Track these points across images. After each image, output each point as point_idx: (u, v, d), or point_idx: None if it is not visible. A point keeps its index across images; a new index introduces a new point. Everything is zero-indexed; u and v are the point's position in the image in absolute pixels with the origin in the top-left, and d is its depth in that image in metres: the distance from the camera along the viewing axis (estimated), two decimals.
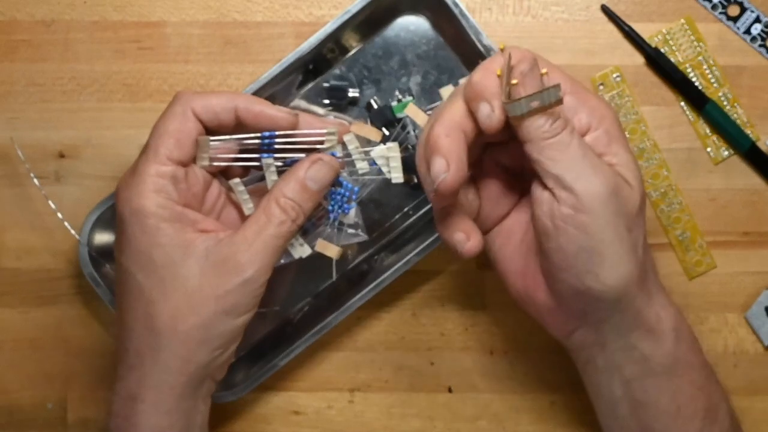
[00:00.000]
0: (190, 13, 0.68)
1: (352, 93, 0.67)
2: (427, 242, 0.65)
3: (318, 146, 0.57)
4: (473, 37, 0.64)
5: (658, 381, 0.55)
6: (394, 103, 0.66)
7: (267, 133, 0.56)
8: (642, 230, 0.54)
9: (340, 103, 0.66)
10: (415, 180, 0.66)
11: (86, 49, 0.68)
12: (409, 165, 0.66)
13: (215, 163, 0.57)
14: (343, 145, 0.58)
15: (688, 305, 0.67)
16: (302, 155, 0.56)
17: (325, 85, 0.67)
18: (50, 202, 0.65)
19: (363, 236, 0.61)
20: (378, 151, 0.58)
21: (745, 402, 0.67)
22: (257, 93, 0.64)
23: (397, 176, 0.58)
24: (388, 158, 0.58)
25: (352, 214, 0.61)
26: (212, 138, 0.56)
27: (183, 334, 0.54)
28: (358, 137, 0.58)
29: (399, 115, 0.66)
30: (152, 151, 0.54)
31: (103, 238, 0.65)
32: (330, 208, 0.58)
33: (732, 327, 0.67)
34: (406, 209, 0.67)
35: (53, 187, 0.68)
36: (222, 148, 0.56)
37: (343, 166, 0.57)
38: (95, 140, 0.68)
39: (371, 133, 0.58)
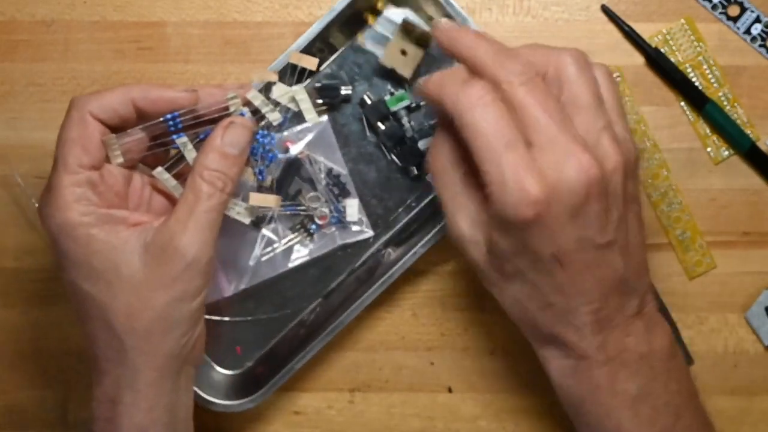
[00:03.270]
0: (190, 13, 0.68)
1: (345, 90, 0.66)
2: (433, 232, 0.64)
3: (225, 113, 0.56)
4: (461, 23, 0.64)
5: (587, 419, 0.56)
6: (387, 97, 0.66)
7: (170, 116, 0.56)
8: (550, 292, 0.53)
9: (333, 102, 0.66)
10: (415, 171, 0.66)
11: (86, 49, 0.68)
12: (407, 156, 0.66)
13: (129, 157, 0.57)
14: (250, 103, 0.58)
15: (688, 305, 0.67)
16: (213, 125, 0.56)
17: (317, 84, 0.66)
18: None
19: (368, 232, 0.61)
20: (280, 89, 0.57)
21: (745, 402, 0.67)
22: None
23: (311, 116, 0.57)
24: (298, 101, 0.58)
25: (355, 211, 0.61)
26: (117, 135, 0.56)
27: (142, 331, 0.54)
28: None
29: (393, 108, 0.66)
30: (61, 163, 0.54)
31: None
32: (258, 170, 0.58)
33: (732, 327, 0.67)
34: (408, 201, 0.67)
35: None
36: (132, 141, 0.56)
37: (256, 124, 0.57)
38: None
39: (307, 61, 0.59)
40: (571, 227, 0.51)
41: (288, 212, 0.64)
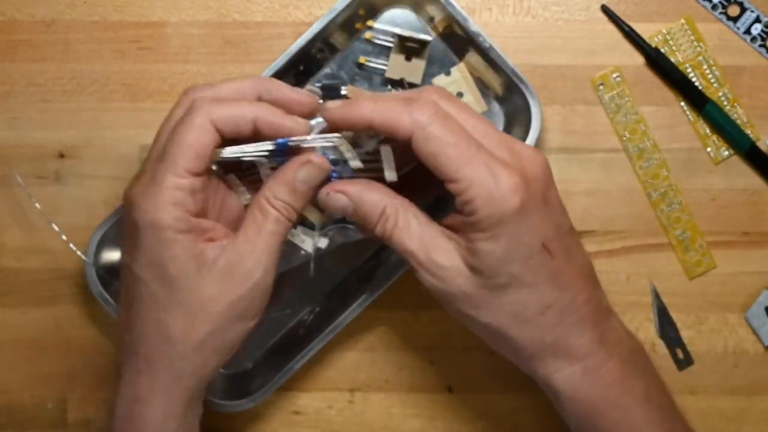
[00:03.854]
0: (190, 13, 0.68)
1: (345, 91, 0.66)
2: None
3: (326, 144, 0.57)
4: (461, 23, 0.64)
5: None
6: None
7: (282, 140, 0.55)
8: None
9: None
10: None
11: (86, 49, 0.68)
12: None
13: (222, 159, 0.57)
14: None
15: (688, 305, 0.67)
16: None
17: (317, 84, 0.66)
18: (55, 227, 0.65)
19: None
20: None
21: (745, 402, 0.67)
22: None
23: (390, 174, 0.57)
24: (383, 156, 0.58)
25: None
26: (227, 150, 0.56)
27: (197, 342, 0.54)
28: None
29: None
30: (171, 163, 0.53)
31: (108, 255, 0.65)
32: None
33: (732, 327, 0.67)
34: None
35: (53, 187, 0.68)
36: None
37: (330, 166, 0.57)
38: (95, 140, 0.68)
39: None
40: (547, 214, 0.54)
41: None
